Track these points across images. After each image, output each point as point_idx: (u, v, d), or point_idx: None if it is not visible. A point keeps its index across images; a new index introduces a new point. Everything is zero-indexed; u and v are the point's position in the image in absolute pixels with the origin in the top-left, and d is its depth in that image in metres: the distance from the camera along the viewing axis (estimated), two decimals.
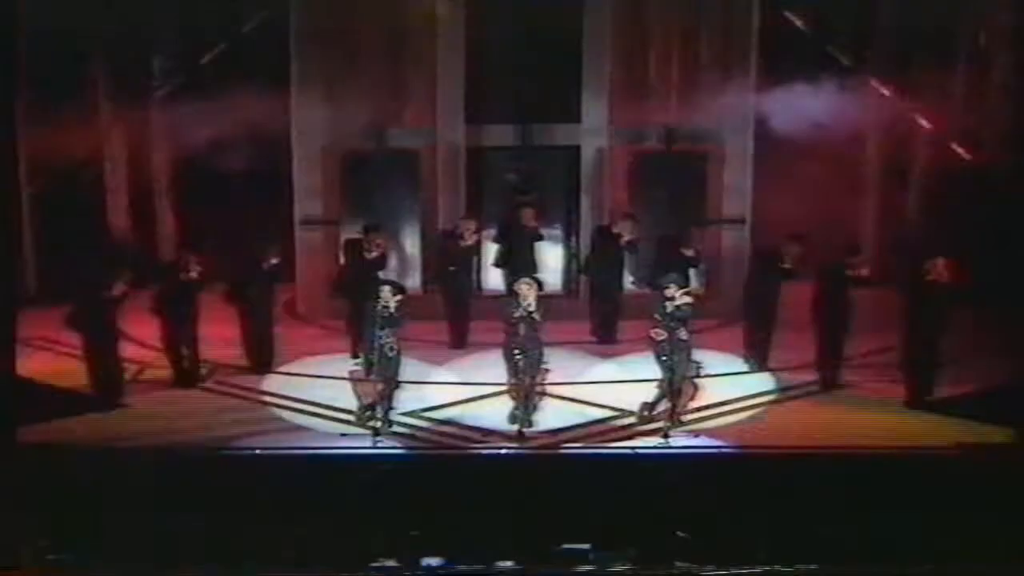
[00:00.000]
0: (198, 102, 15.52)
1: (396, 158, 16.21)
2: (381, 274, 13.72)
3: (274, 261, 13.87)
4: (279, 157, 15.97)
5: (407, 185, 16.26)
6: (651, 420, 12.35)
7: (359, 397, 12.80)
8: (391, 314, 12.05)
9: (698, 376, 13.06)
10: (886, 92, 16.11)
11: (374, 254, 14.12)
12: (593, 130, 16.04)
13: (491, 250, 15.66)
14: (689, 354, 12.36)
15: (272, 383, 13.67)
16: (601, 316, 15.08)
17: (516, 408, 12.33)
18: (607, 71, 15.84)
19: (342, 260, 15.22)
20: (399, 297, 12.13)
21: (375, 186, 16.12)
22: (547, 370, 12.88)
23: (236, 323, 13.94)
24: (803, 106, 14.81)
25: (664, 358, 12.18)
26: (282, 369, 14.05)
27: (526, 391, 12.27)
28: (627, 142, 16.19)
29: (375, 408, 12.23)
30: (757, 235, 15.70)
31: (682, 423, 12.36)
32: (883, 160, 16.72)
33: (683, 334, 12.13)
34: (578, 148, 16.14)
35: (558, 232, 16.30)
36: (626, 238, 14.79)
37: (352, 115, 15.87)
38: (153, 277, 14.03)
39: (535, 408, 12.47)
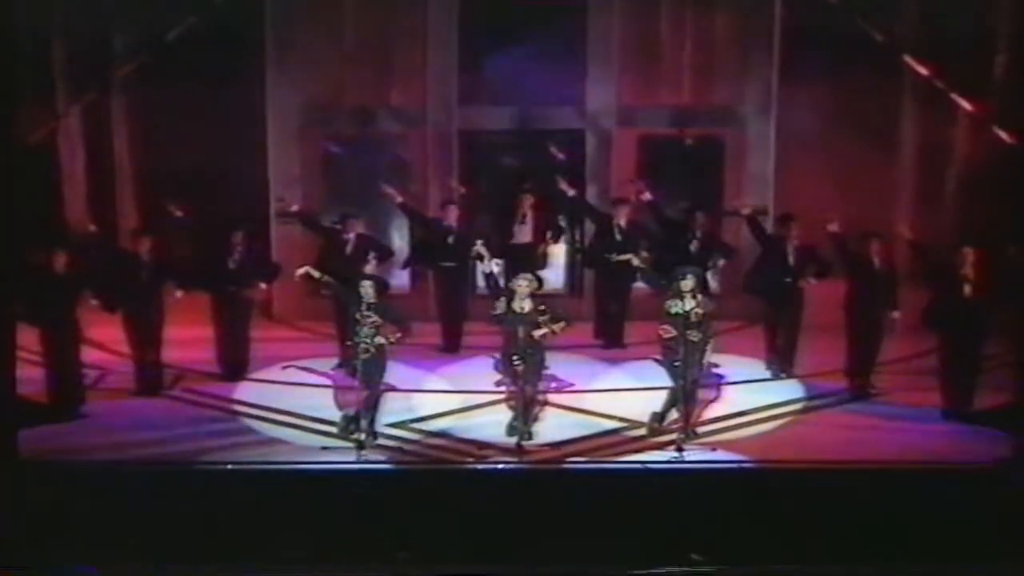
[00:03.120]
0: (164, 82, 15.48)
1: (382, 142, 16.16)
2: (368, 269, 13.70)
3: (248, 256, 13.87)
4: (253, 141, 15.93)
5: (394, 172, 16.23)
6: (661, 432, 12.33)
7: (341, 406, 12.76)
8: (374, 312, 11.99)
9: (716, 384, 13.04)
10: (921, 71, 16.07)
11: (351, 246, 14.11)
12: (598, 112, 16.01)
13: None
14: (703, 357, 12.32)
15: (245, 391, 13.66)
16: (607, 317, 15.05)
17: (515, 419, 12.29)
18: (614, 46, 15.80)
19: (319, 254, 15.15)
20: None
21: (359, 173, 16.08)
22: (550, 377, 12.86)
23: (205, 324, 13.92)
24: (831, 85, 14.76)
25: (675, 361, 12.14)
26: (256, 376, 14.04)
27: (526, 400, 12.23)
28: (635, 125, 16.16)
29: (359, 419, 12.19)
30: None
31: (697, 435, 12.33)
32: (919, 144, 16.68)
33: (695, 335, 12.09)
34: (582, 132, 16.11)
35: (561, 224, 16.29)
36: (648, 197, 14.73)
37: (334, 95, 15.82)
38: (112, 272, 13.98)
39: (535, 419, 12.43)
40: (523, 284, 12.17)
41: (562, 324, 12.17)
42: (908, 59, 15.96)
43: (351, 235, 14.25)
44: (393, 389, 12.75)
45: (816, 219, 13.83)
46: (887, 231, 14.08)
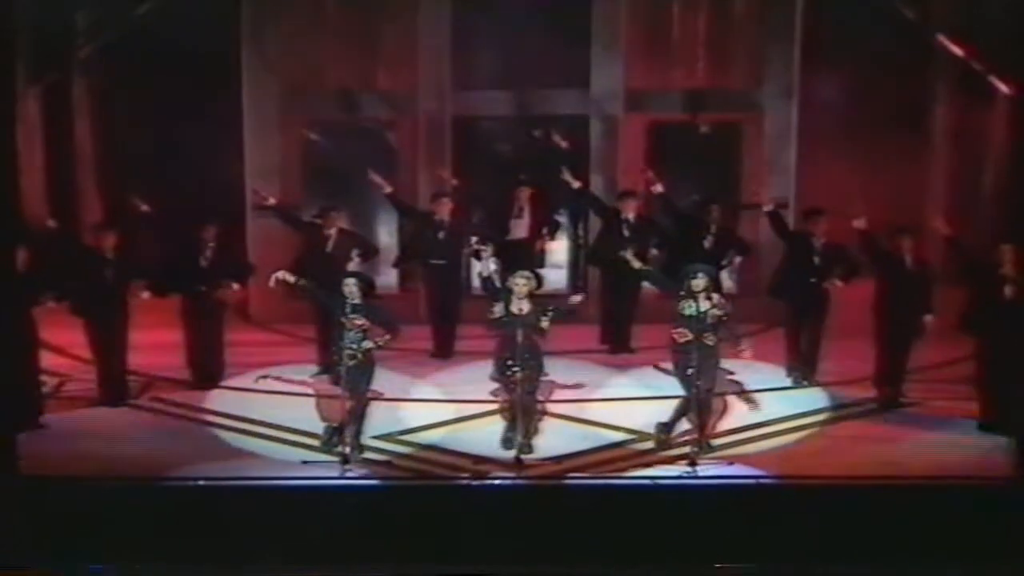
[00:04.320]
0: (129, 63, 15.50)
1: (369, 129, 16.18)
2: (352, 267, 13.73)
3: (221, 254, 13.89)
4: (227, 128, 15.95)
5: (382, 162, 16.27)
6: (672, 444, 12.36)
7: (324, 417, 12.78)
8: (360, 314, 12.02)
9: (735, 392, 13.06)
10: (957, 51, 16.10)
11: (333, 242, 14.14)
12: (604, 96, 16.01)
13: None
14: (718, 363, 12.35)
15: (219, 400, 13.67)
16: (615, 320, 15.09)
17: (508, 430, 12.31)
18: (620, 24, 15.83)
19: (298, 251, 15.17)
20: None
21: (343, 164, 16.11)
22: (548, 384, 12.88)
23: (175, 328, 13.95)
24: (858, 66, 14.78)
25: (688, 368, 12.13)
26: (231, 383, 14.05)
27: (524, 410, 12.23)
28: (644, 110, 16.15)
29: (343, 430, 12.20)
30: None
31: (712, 448, 12.35)
32: (954, 131, 16.71)
33: (711, 338, 12.12)
34: (586, 118, 16.12)
35: (562, 218, 16.32)
36: (659, 189, 14.77)
37: (316, 77, 15.84)
38: (73, 271, 13.99)
39: (536, 431, 12.44)
40: (521, 283, 12.12)
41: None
42: (942, 39, 16.00)
43: (332, 230, 14.28)
44: (380, 398, 12.73)
45: (843, 214, 13.86)
46: (920, 226, 14.10)
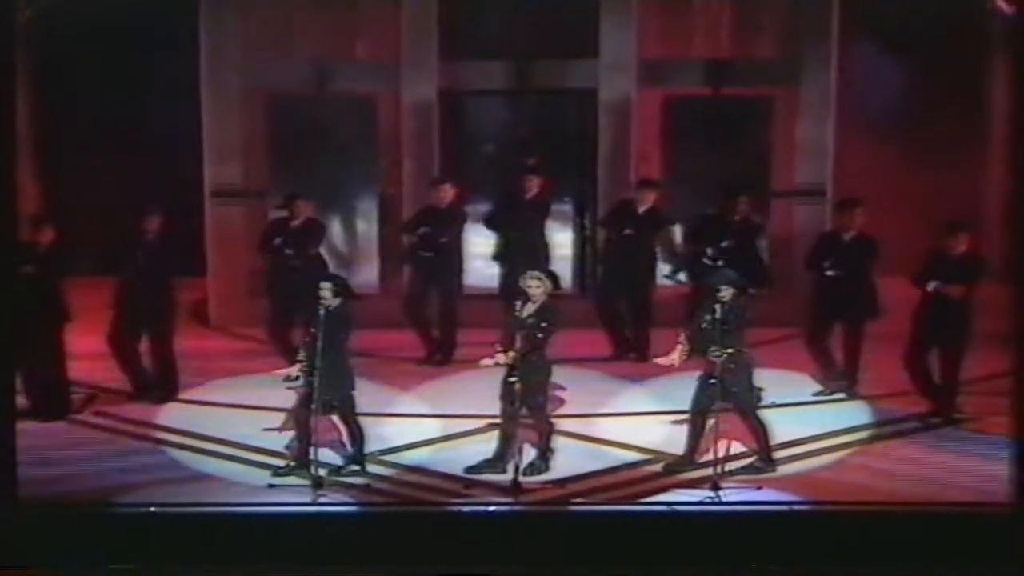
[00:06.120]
0: (72, 31, 15.50)
1: (345, 105, 16.19)
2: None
3: (169, 246, 13.92)
4: (184, 104, 15.97)
5: (360, 143, 16.27)
6: (690, 465, 12.41)
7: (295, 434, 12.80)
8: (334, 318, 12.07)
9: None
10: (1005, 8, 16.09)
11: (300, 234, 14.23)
12: (614, 67, 16.07)
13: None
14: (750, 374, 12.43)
15: (172, 415, 13.69)
16: (630, 324, 15.15)
17: (500, 447, 12.34)
18: None
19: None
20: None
21: (316, 144, 16.14)
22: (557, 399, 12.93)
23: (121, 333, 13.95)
24: (905, 32, 14.79)
25: (710, 378, 12.20)
26: (187, 396, 14.08)
27: (539, 429, 12.34)
28: (660, 83, 16.20)
29: (316, 449, 12.22)
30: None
31: (773, 464, 12.45)
32: (1016, 108, 16.68)
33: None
34: (594, 92, 16.17)
35: (567, 208, 16.34)
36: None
37: (283, 46, 15.84)
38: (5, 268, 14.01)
39: (551, 451, 12.46)
40: (533, 285, 12.27)
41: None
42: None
43: (299, 220, 14.32)
44: (360, 413, 12.72)
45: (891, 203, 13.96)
46: (975, 219, 14.11)
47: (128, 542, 11.28)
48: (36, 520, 11.47)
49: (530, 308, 12.23)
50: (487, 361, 12.34)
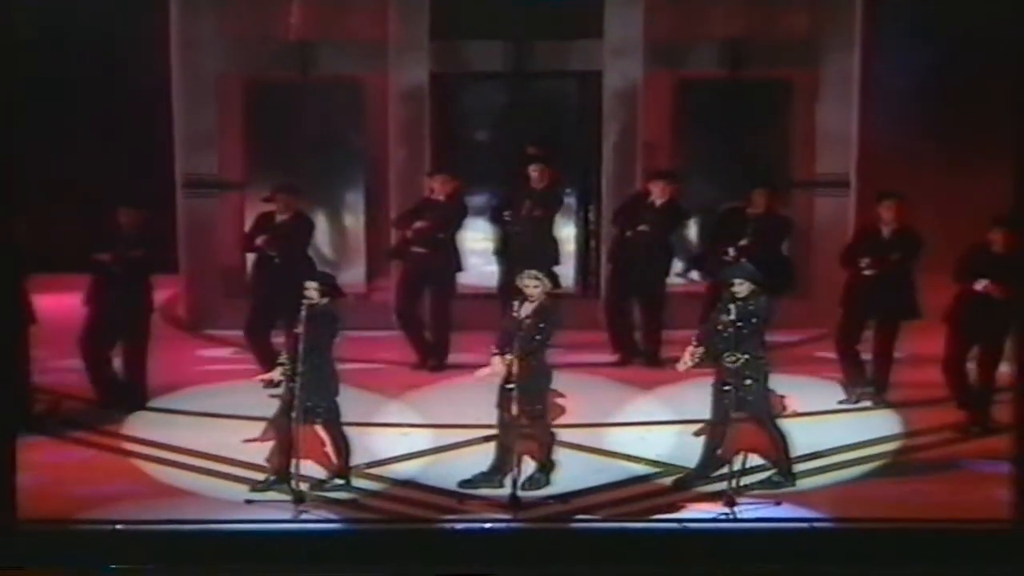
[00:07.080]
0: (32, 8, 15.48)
1: (328, 89, 16.15)
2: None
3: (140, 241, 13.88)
4: (154, 89, 15.93)
5: (345, 130, 16.26)
6: (703, 479, 12.39)
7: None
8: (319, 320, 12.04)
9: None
10: None
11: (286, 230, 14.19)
12: (620, 47, 16.03)
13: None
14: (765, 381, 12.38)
15: (141, 424, 13.67)
16: (642, 327, 15.14)
17: (497, 460, 12.34)
18: None
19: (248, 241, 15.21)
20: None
21: (297, 131, 16.08)
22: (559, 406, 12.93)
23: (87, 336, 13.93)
24: (936, 9, 14.79)
25: (725, 385, 12.19)
26: (157, 404, 14.05)
27: (539, 442, 12.31)
28: (670, 65, 16.16)
29: (297, 462, 12.19)
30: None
31: (793, 477, 12.44)
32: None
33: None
34: (599, 74, 16.11)
35: (569, 200, 16.36)
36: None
37: (263, 25, 15.83)
38: None
39: (552, 465, 12.44)
40: (530, 284, 12.26)
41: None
42: None
43: (286, 215, 14.31)
44: (345, 423, 12.69)
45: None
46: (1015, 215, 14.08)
47: (91, 562, 11.28)
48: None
49: (528, 309, 12.22)
50: (483, 371, 12.30)
